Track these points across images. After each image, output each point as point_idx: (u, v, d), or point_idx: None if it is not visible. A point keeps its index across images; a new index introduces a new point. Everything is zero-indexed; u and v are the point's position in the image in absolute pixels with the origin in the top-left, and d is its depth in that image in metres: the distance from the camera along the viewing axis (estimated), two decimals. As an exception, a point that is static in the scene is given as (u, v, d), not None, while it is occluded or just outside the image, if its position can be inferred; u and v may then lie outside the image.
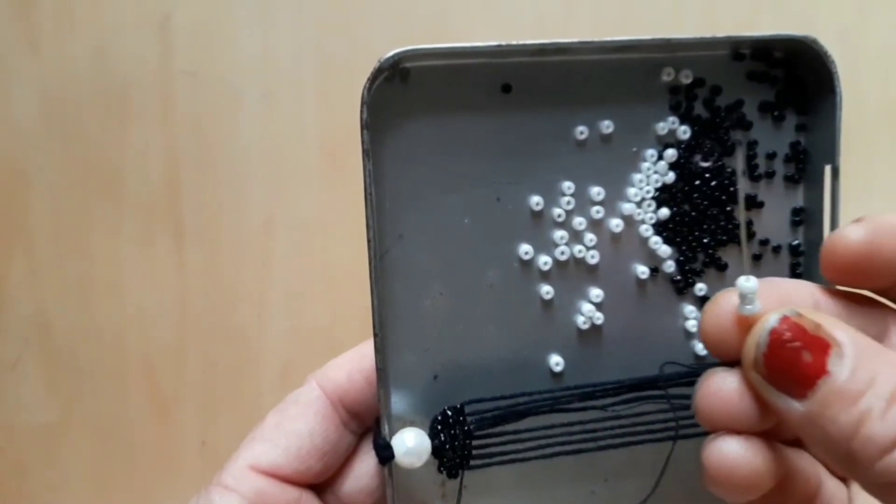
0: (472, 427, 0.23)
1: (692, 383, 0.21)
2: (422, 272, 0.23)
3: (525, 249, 0.23)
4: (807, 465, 0.22)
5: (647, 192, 0.24)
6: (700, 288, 0.24)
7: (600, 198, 0.24)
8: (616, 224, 0.24)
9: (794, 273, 0.25)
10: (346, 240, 0.41)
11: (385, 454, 0.22)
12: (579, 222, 0.23)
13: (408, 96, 0.22)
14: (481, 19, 0.40)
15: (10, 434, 0.42)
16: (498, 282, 0.23)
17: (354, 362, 0.24)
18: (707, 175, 0.24)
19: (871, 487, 0.18)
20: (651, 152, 0.24)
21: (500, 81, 0.23)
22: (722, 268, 0.24)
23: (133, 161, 0.40)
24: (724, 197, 0.24)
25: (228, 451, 0.23)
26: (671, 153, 0.24)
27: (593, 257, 0.24)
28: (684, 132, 0.24)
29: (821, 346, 0.18)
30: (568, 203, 0.23)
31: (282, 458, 0.23)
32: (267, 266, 0.41)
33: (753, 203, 0.24)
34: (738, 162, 0.24)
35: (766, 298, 0.20)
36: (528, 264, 0.23)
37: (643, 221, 0.24)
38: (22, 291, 0.41)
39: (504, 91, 0.23)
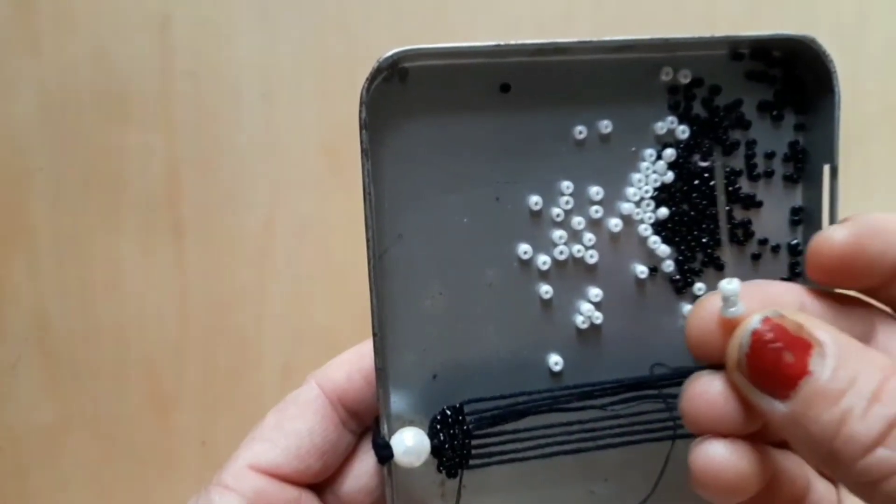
0: (471, 426, 0.23)
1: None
2: (421, 272, 0.23)
3: (524, 249, 0.23)
4: (795, 466, 0.22)
5: (646, 191, 0.24)
6: (699, 287, 0.24)
7: (599, 197, 0.24)
8: (615, 224, 0.24)
9: (793, 272, 0.25)
10: (345, 240, 0.41)
11: (384, 453, 0.22)
12: (578, 222, 0.23)
13: (407, 96, 0.22)
14: (480, 19, 0.40)
15: (10, 434, 0.42)
16: (497, 281, 0.23)
17: (354, 362, 0.24)
18: (706, 175, 0.24)
19: (855, 487, 0.18)
20: (650, 152, 0.24)
21: (499, 81, 0.23)
22: (721, 267, 0.24)
23: (133, 161, 0.40)
24: (723, 196, 0.24)
25: (228, 451, 0.23)
26: (670, 153, 0.24)
27: (592, 257, 0.24)
28: (683, 132, 0.24)
29: (803, 346, 0.18)
30: (567, 203, 0.23)
31: (281, 458, 0.23)
32: (267, 266, 0.41)
33: (752, 202, 0.24)
34: (717, 174, 0.24)
35: (751, 300, 0.20)
36: (527, 264, 0.24)
37: (642, 221, 0.24)
38: (22, 291, 0.41)
39: (503, 91, 0.23)
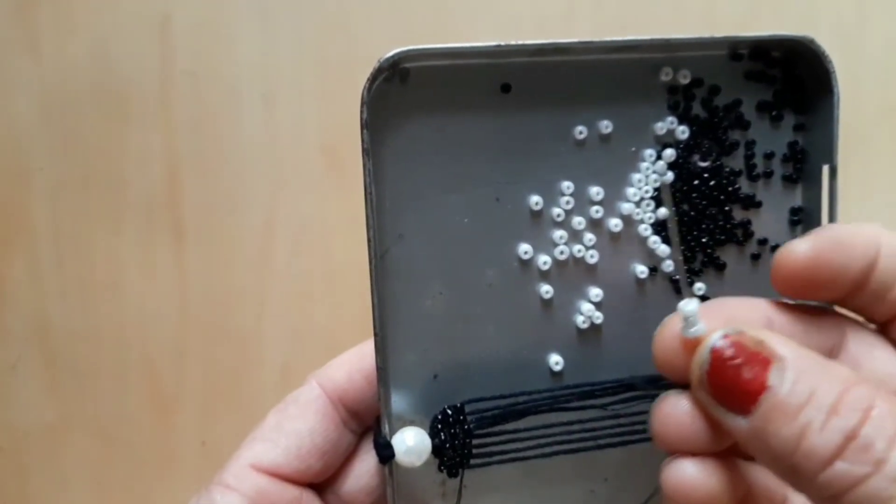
0: (471, 426, 0.23)
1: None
2: (422, 272, 0.23)
3: (524, 249, 0.23)
4: (770, 481, 0.22)
5: (646, 191, 0.24)
6: (699, 287, 0.24)
7: (599, 197, 0.24)
8: (615, 224, 0.24)
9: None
10: (345, 239, 0.41)
11: (385, 453, 0.22)
12: (578, 222, 0.24)
13: (407, 96, 0.22)
14: (481, 19, 0.40)
15: (10, 434, 0.42)
16: (497, 281, 0.23)
17: (354, 362, 0.24)
18: (706, 175, 0.24)
19: (818, 501, 0.18)
20: (650, 152, 0.24)
21: (500, 81, 0.23)
22: (720, 267, 0.24)
23: (133, 161, 0.40)
24: (722, 197, 0.24)
25: (228, 451, 0.23)
26: (670, 153, 0.24)
27: (592, 257, 0.24)
28: (683, 132, 0.24)
29: (762, 361, 0.18)
30: (567, 203, 0.23)
31: (282, 458, 0.23)
32: (267, 266, 0.41)
33: (752, 203, 0.24)
34: (668, 185, 0.24)
35: (713, 319, 0.20)
36: (527, 264, 0.24)
37: (642, 221, 0.24)
38: (22, 291, 0.41)
39: (503, 91, 0.23)
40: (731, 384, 0.18)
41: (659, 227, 0.24)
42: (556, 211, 0.23)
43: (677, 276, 0.24)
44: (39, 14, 0.39)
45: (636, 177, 0.24)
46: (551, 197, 0.23)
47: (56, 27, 0.39)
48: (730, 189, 0.24)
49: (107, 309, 0.41)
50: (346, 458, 0.24)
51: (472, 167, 0.23)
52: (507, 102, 0.23)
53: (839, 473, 0.17)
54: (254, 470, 0.22)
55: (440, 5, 0.40)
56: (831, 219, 0.24)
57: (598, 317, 0.24)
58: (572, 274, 0.24)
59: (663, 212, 0.24)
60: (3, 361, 0.41)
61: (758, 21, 0.41)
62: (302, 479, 0.23)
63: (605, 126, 0.23)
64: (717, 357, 0.19)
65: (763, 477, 0.22)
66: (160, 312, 0.41)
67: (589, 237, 0.24)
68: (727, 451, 0.20)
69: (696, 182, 0.24)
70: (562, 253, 0.24)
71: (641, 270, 0.24)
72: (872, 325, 0.22)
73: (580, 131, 0.23)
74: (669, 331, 0.21)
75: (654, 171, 0.24)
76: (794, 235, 0.25)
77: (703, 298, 0.24)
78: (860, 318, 0.22)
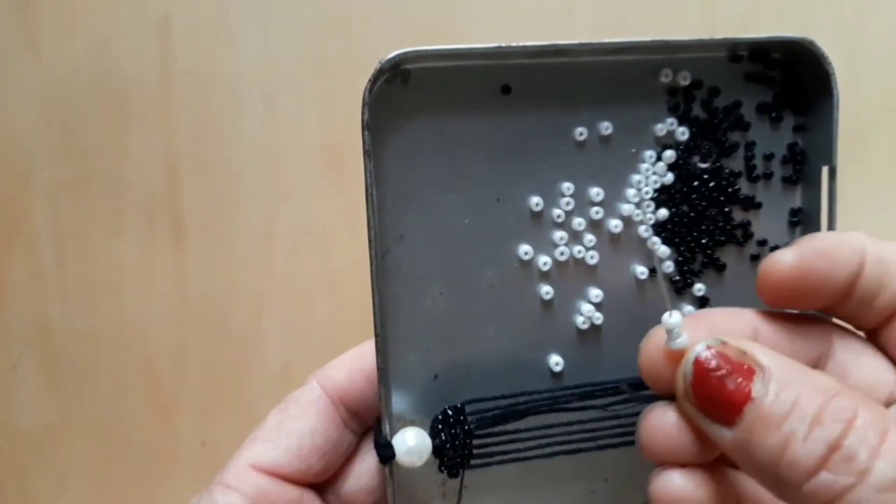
0: (472, 426, 0.23)
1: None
2: (422, 272, 0.23)
3: (525, 250, 0.23)
4: (760, 491, 0.22)
5: (646, 192, 0.24)
6: (699, 288, 0.24)
7: (599, 198, 0.24)
8: (615, 225, 0.24)
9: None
10: (346, 240, 0.41)
11: (386, 453, 0.22)
12: (579, 223, 0.24)
13: (408, 97, 0.22)
14: (481, 20, 0.40)
15: (10, 434, 0.42)
16: (498, 282, 0.23)
17: (355, 362, 0.24)
18: (705, 176, 0.24)
19: None
20: (650, 153, 0.24)
21: (500, 82, 0.23)
22: (720, 268, 0.24)
23: (133, 161, 0.40)
24: (722, 198, 0.24)
25: (228, 451, 0.23)
26: (670, 154, 0.24)
27: (593, 258, 0.24)
28: (683, 133, 0.24)
29: (746, 372, 0.18)
30: (567, 204, 0.24)
31: (283, 458, 0.23)
32: (267, 266, 0.41)
33: (751, 204, 0.24)
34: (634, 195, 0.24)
35: (698, 331, 0.20)
36: (527, 264, 0.24)
37: (642, 222, 0.24)
38: (22, 291, 0.41)
39: (504, 92, 0.23)
40: (716, 395, 0.19)
41: (659, 229, 0.24)
42: (557, 212, 0.23)
43: (677, 277, 0.24)
44: (39, 14, 0.39)
45: (636, 178, 0.24)
46: (551, 198, 0.23)
47: (56, 27, 0.39)
48: (729, 190, 0.24)
49: (107, 309, 0.41)
50: (347, 459, 0.24)
51: (472, 168, 0.23)
52: (508, 103, 0.23)
53: (823, 484, 0.17)
54: (254, 470, 0.22)
55: (440, 6, 0.40)
56: (831, 219, 0.24)
57: (598, 317, 0.24)
58: (572, 275, 0.24)
59: (663, 213, 0.24)
60: (3, 361, 0.41)
61: (758, 22, 0.41)
62: (302, 479, 0.23)
63: (605, 127, 0.23)
64: (700, 368, 0.19)
65: (752, 486, 0.22)
66: (160, 312, 0.41)
67: (589, 238, 0.24)
68: (716, 461, 0.20)
69: (695, 183, 0.24)
70: (562, 254, 0.24)
71: (641, 271, 0.24)
72: (861, 333, 0.22)
73: (580, 132, 0.23)
74: (654, 343, 0.21)
75: (654, 173, 0.24)
76: (793, 236, 0.25)
77: (703, 299, 0.24)
78: (848, 326, 0.22)
